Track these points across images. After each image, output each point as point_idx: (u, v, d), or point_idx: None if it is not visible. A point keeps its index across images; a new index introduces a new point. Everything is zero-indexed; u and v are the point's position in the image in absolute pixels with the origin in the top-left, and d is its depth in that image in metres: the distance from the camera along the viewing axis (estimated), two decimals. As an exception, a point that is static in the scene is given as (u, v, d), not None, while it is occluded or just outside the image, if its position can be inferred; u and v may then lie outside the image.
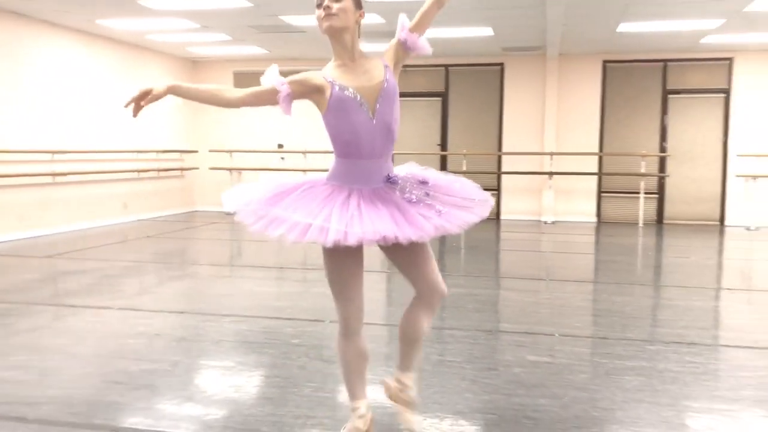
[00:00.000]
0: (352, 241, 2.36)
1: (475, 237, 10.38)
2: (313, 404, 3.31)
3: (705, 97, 11.79)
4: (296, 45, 11.24)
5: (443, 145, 12.79)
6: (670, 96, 11.88)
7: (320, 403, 3.34)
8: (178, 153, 13.03)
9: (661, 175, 11.82)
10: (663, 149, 11.87)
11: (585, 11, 8.51)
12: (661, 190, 11.98)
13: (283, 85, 2.55)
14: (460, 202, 2.68)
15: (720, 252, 9.34)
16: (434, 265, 2.76)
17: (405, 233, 2.43)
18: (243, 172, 13.04)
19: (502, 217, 12.57)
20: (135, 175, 11.73)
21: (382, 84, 2.61)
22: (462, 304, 5.64)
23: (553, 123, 12.16)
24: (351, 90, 2.57)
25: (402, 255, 2.70)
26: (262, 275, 7.06)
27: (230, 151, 13.08)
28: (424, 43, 2.71)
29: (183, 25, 9.70)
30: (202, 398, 3.45)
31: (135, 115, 2.55)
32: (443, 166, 12.73)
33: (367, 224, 2.42)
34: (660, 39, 10.37)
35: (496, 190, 12.60)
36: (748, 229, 11.08)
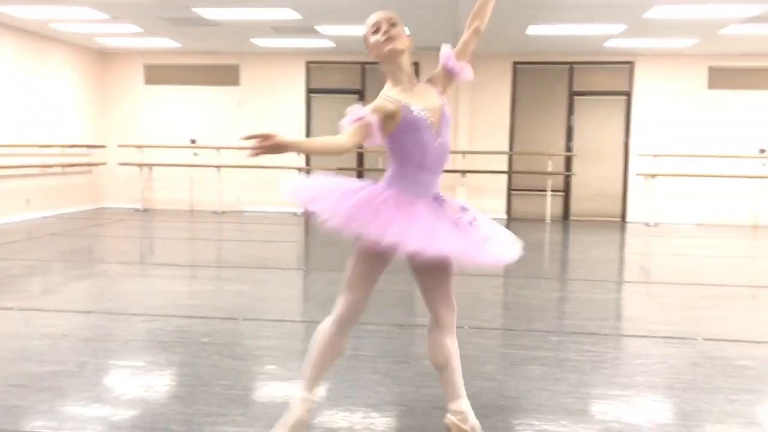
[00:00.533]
0: (433, 251, 2.44)
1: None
2: (224, 402, 3.31)
3: (608, 99, 12.35)
4: (211, 39, 11.05)
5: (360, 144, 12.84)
6: (575, 97, 12.38)
7: (232, 400, 3.34)
8: (86, 148, 12.56)
9: (567, 173, 12.31)
10: (569, 149, 12.37)
11: (496, 13, 8.73)
12: (567, 188, 12.48)
13: (372, 116, 2.56)
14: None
15: (621, 247, 9.83)
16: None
17: (482, 257, 2.57)
18: (154, 168, 12.71)
19: (417, 213, 12.75)
20: (39, 170, 11.22)
21: (442, 108, 2.72)
22: (378, 300, 5.71)
23: (465, 122, 12.44)
24: (422, 111, 2.64)
25: (434, 275, 2.76)
26: (174, 273, 6.93)
27: (140, 147, 12.71)
28: (467, 71, 2.85)
29: (90, 14, 9.34)
30: (110, 399, 3.38)
31: (254, 155, 2.39)
32: (360, 163, 12.83)
33: (448, 239, 2.53)
34: (566, 42, 10.79)
35: (411, 187, 12.77)
36: (647, 225, 11.69)
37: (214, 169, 12.46)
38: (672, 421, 3.25)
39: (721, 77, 11.97)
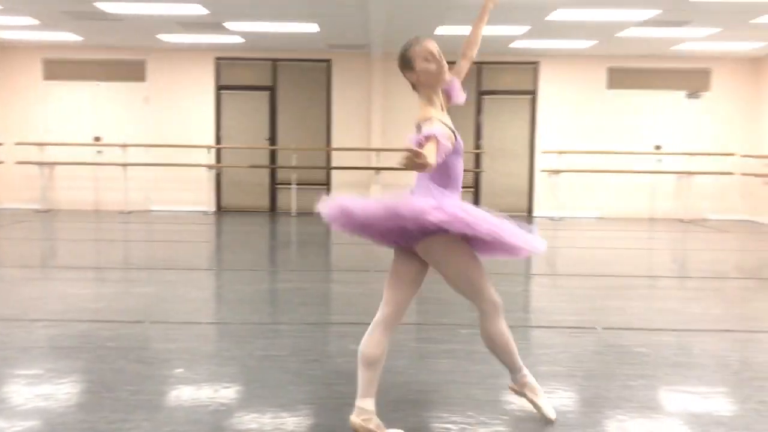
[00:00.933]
0: (542, 248, 3.16)
1: (306, 231, 10.48)
2: (130, 408, 3.22)
3: (515, 98, 12.73)
4: (115, 33, 10.66)
5: (272, 140, 12.74)
6: (483, 96, 12.70)
7: (138, 406, 3.25)
8: (-21, 146, 11.88)
9: (476, 170, 12.62)
10: (478, 146, 12.68)
11: (406, 13, 8.87)
12: (476, 184, 12.78)
13: (448, 143, 2.70)
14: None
15: (529, 241, 10.14)
16: None
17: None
18: (56, 167, 12.17)
19: (331, 211, 12.75)
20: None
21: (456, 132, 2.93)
22: (289, 299, 5.71)
23: (379, 119, 12.53)
24: (459, 136, 2.93)
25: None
26: (77, 276, 6.66)
27: (41, 145, 12.13)
28: (460, 93, 3.21)
29: (-19, 5, 8.85)
30: (4, 410, 3.22)
31: (403, 167, 2.40)
32: (273, 160, 12.70)
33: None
34: (475, 42, 11.02)
35: (326, 184, 12.77)
36: (552, 219, 12.13)
37: (119, 168, 12.05)
38: (572, 408, 3.40)
39: (619, 77, 12.56)
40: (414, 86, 3.01)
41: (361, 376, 2.90)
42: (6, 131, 12.38)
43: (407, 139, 2.61)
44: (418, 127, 2.84)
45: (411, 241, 2.90)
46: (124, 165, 12.02)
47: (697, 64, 12.48)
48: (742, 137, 12.53)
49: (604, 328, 4.79)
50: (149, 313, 5.06)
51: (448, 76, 3.01)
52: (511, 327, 4.77)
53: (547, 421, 3.15)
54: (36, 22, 9.94)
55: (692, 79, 12.60)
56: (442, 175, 2.86)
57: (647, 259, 8.79)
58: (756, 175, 12.18)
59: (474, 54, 3.39)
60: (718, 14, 8.70)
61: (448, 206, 2.75)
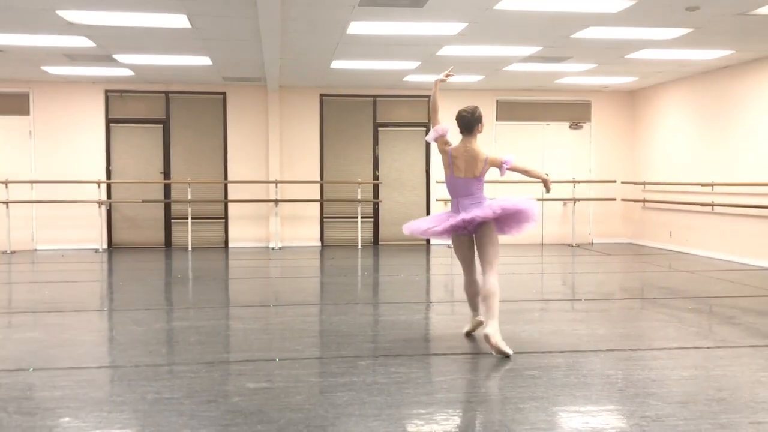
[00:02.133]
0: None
1: (203, 267, 10.25)
2: (10, 463, 3.03)
3: (410, 130, 13.04)
4: (-6, 65, 10.17)
5: (166, 173, 12.44)
6: (380, 128, 12.95)
7: (19, 460, 3.07)
8: None
9: (375, 201, 12.80)
10: (376, 177, 12.87)
11: (300, 47, 8.95)
12: (375, 214, 12.95)
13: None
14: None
15: (426, 269, 10.37)
16: None
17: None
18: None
19: (231, 245, 12.57)
20: None
21: None
22: (184, 338, 5.56)
23: (276, 152, 12.51)
24: None
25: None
26: (-48, 324, 6.22)
27: None
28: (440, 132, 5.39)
29: None
30: None
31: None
32: (167, 194, 12.39)
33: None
34: (369, 77, 11.27)
35: (223, 218, 12.57)
36: (449, 246, 12.42)
37: (1, 206, 11.40)
38: (468, 433, 3.48)
39: (507, 109, 13.13)
40: (473, 134, 5.30)
41: (489, 306, 4.90)
42: None
43: (507, 165, 5.24)
44: (492, 161, 5.23)
45: (471, 229, 5.14)
46: (7, 202, 11.39)
47: (578, 97, 13.25)
48: (621, 165, 13.36)
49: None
50: (32, 360, 4.79)
51: None
52: (409, 356, 4.91)
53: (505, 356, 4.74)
54: None
55: (574, 110, 13.35)
56: (482, 186, 5.27)
57: (538, 283, 9.16)
58: (635, 201, 13.00)
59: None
60: (595, 51, 9.30)
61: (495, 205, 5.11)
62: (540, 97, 13.12)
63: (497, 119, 13.05)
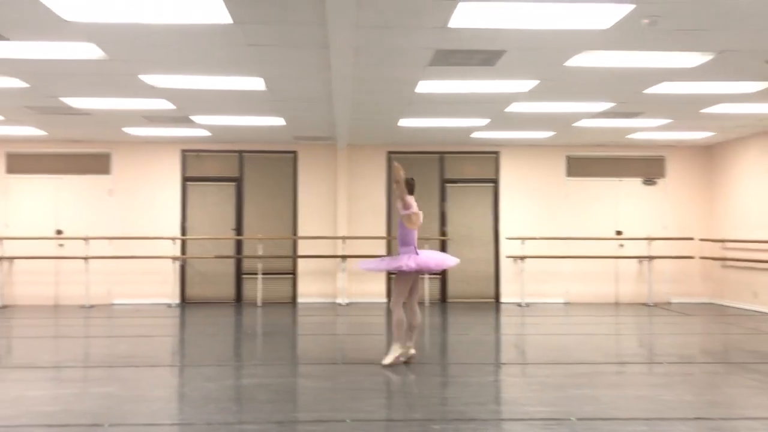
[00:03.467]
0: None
1: (273, 322, 10.30)
2: None
3: (478, 186, 12.98)
4: (79, 127, 10.70)
5: (239, 230, 12.70)
6: (447, 184, 12.94)
7: None
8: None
9: (444, 257, 12.67)
10: (443, 233, 12.80)
11: (369, 107, 9.10)
12: (443, 271, 12.81)
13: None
14: None
15: (496, 328, 10.12)
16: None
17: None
18: (15, 261, 11.89)
19: (299, 300, 12.63)
20: None
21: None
22: (254, 396, 5.54)
23: (344, 208, 12.63)
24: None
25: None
26: (33, 377, 6.39)
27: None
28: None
29: (-55, 101, 8.82)
30: None
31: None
32: (239, 251, 12.62)
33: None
34: (436, 133, 11.33)
35: (291, 274, 12.69)
36: (519, 305, 12.15)
37: (81, 261, 11.83)
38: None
39: (577, 165, 12.94)
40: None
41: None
42: (-36, 225, 12.15)
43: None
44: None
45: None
46: (86, 258, 11.82)
47: (651, 152, 12.95)
48: (698, 221, 12.90)
49: (578, 419, 4.73)
50: (108, 415, 4.85)
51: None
52: (483, 420, 4.74)
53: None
54: (0, 117, 9.94)
55: (647, 166, 13.04)
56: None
57: (615, 344, 8.80)
58: (714, 259, 12.47)
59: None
60: (668, 106, 9.10)
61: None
62: (611, 152, 12.89)
63: (568, 175, 12.87)
